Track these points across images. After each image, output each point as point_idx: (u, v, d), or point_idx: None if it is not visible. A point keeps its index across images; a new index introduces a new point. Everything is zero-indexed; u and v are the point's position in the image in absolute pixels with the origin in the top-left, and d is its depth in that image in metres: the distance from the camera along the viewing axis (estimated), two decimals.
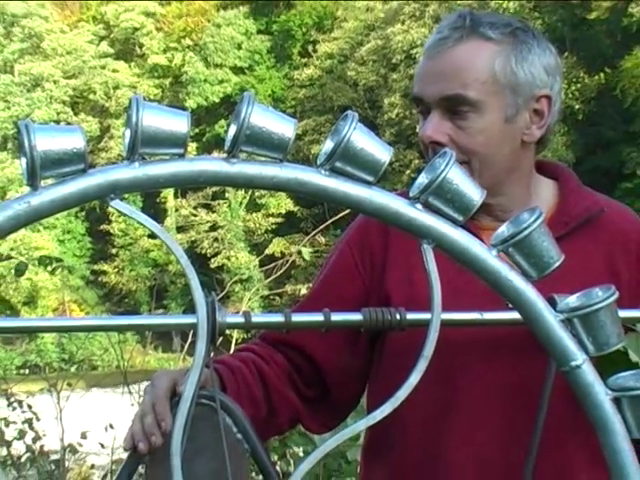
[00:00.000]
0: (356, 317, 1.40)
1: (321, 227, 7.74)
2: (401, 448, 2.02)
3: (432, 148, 1.93)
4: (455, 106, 1.93)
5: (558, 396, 1.74)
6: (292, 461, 4.15)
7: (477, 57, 1.94)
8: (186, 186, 1.17)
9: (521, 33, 1.99)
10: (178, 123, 1.11)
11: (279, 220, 41.30)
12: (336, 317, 1.40)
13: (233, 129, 1.11)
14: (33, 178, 1.08)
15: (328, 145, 1.13)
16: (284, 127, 1.12)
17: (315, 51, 42.73)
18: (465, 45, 1.94)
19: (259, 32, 46.44)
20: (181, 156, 1.11)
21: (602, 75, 31.88)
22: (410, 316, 1.40)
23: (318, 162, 1.14)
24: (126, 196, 1.16)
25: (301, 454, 4.10)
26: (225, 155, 1.13)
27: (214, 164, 1.12)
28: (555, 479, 1.92)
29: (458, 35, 1.94)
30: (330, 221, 6.97)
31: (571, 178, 2.12)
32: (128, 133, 1.10)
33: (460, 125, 1.93)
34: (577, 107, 32.86)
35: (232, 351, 6.02)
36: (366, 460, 2.21)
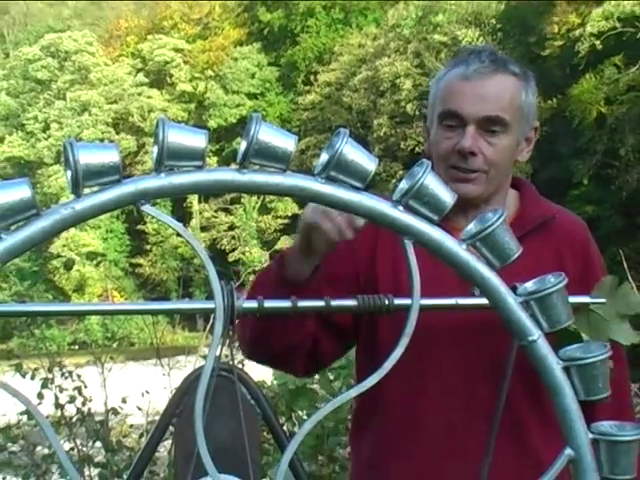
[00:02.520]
0: (352, 303, 1.40)
1: None
2: (385, 412, 2.02)
3: (464, 157, 1.95)
4: (491, 125, 1.96)
5: (513, 367, 1.71)
6: (297, 422, 4.14)
7: (512, 88, 2.00)
8: (205, 193, 1.17)
9: (529, 73, 2.08)
10: (198, 140, 1.10)
11: (286, 221, 41.30)
12: (335, 302, 1.39)
13: (244, 144, 1.11)
14: (77, 187, 1.08)
15: (324, 157, 1.14)
16: (287, 142, 1.12)
17: (316, 80, 42.73)
18: (501, 76, 1.99)
19: (269, 64, 46.48)
20: (200, 168, 1.11)
21: (555, 101, 31.85)
22: (396, 302, 1.39)
23: (315, 171, 1.14)
24: (158, 201, 1.15)
25: (305, 417, 4.09)
26: (237, 166, 1.12)
27: (228, 174, 1.12)
28: (512, 435, 1.92)
29: (494, 67, 1.99)
30: None
31: (530, 189, 2.15)
32: (156, 149, 1.10)
33: (490, 141, 1.97)
34: None
35: None
36: (355, 423, 2.22)
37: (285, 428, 3.97)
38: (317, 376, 3.97)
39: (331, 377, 4.10)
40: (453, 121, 1.98)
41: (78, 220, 1.09)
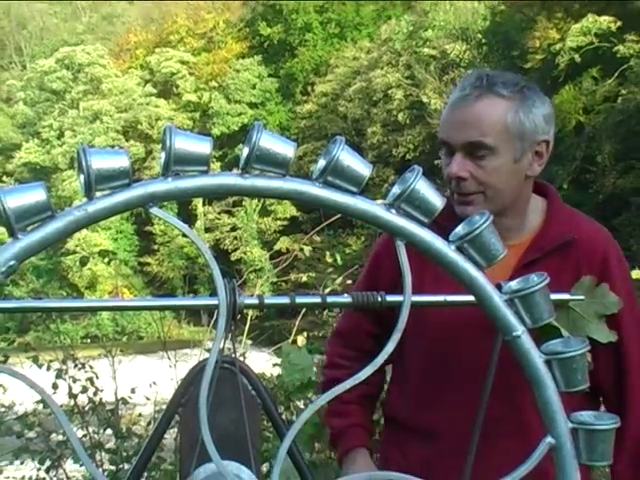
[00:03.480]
0: (346, 299, 1.39)
1: (317, 228, 7.73)
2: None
3: (456, 182, 1.97)
4: (475, 150, 1.96)
5: (507, 359, 1.74)
6: (295, 412, 4.14)
7: (493, 111, 1.97)
8: (210, 196, 1.17)
9: (527, 90, 2.02)
10: (202, 146, 1.10)
11: (285, 223, 41.32)
12: (330, 299, 1.38)
13: (246, 151, 1.11)
14: (89, 191, 1.08)
15: (321, 163, 1.13)
16: (286, 149, 1.12)
17: (313, 91, 42.76)
18: (483, 101, 1.97)
19: (269, 76, 46.49)
20: (205, 172, 1.11)
21: None
22: (388, 298, 1.39)
23: (313, 176, 1.14)
24: (165, 204, 1.15)
25: (302, 406, 4.09)
26: (240, 171, 1.12)
27: (231, 179, 1.12)
28: (517, 435, 1.93)
29: (477, 93, 1.98)
30: (325, 224, 6.95)
31: (556, 198, 2.15)
32: (163, 155, 1.10)
33: (479, 164, 1.96)
34: None
35: (247, 326, 6.02)
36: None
37: (284, 417, 3.97)
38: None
39: None
40: (445, 149, 2.02)
41: (90, 221, 1.09)
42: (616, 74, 28.30)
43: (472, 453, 1.57)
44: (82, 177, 1.07)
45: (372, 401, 2.33)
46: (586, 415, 1.19)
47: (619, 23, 28.18)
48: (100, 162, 1.07)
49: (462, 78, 2.15)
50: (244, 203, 41.71)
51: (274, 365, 4.43)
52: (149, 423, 5.20)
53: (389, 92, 36.89)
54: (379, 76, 37.44)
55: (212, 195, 1.15)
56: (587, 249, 2.03)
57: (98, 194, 1.09)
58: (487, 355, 1.91)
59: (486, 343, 1.92)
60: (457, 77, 34.73)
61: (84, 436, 4.94)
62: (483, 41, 35.22)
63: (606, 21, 28.46)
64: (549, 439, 1.17)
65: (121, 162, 1.08)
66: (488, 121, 1.97)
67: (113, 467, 4.76)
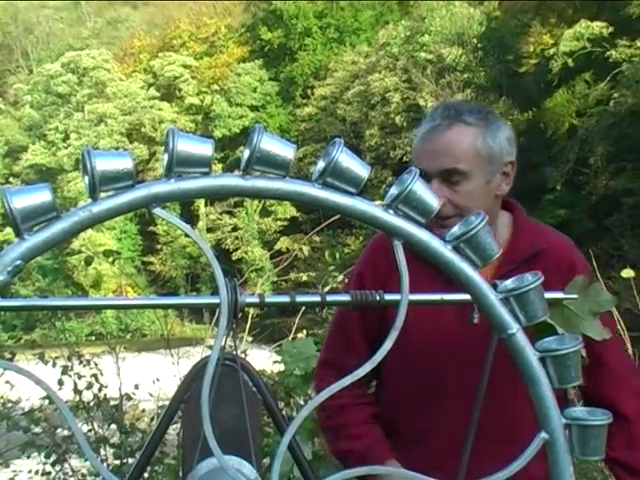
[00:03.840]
0: (345, 298, 1.39)
1: (317, 229, 7.74)
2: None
3: None
4: (450, 176, 2.03)
5: (501, 357, 1.78)
6: (295, 408, 4.14)
7: (463, 139, 2.04)
8: (212, 197, 1.17)
9: (490, 116, 2.11)
10: (204, 148, 1.10)
11: (285, 223, 41.33)
12: (330, 298, 1.38)
13: (247, 153, 1.11)
14: (93, 192, 1.07)
15: (320, 164, 1.13)
16: (286, 151, 1.12)
17: (313, 94, 42.76)
18: (453, 130, 2.04)
19: (270, 79, 46.49)
20: (207, 174, 1.11)
21: (530, 113, 31.94)
22: (386, 297, 1.39)
23: (313, 178, 1.14)
24: (168, 205, 1.15)
25: (302, 402, 4.08)
26: (241, 173, 1.12)
27: (232, 180, 1.11)
28: (502, 414, 1.94)
29: (447, 122, 2.05)
30: (324, 224, 6.95)
31: (521, 213, 2.22)
32: (166, 156, 1.09)
33: (454, 189, 2.03)
34: None
35: (248, 324, 6.02)
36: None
37: (284, 413, 3.97)
38: None
39: None
40: (422, 177, 2.05)
41: (95, 222, 1.08)
42: (608, 78, 28.30)
43: (466, 455, 1.57)
44: (87, 178, 1.07)
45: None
46: (579, 411, 1.19)
47: (611, 29, 28.21)
48: (104, 164, 1.07)
49: (430, 110, 2.22)
50: (245, 204, 41.73)
51: (274, 362, 4.44)
52: (152, 419, 5.21)
53: (387, 95, 36.88)
54: (377, 80, 37.44)
55: (214, 196, 1.15)
56: (555, 258, 2.09)
57: (102, 195, 1.09)
58: (468, 362, 1.99)
59: (466, 351, 2.01)
60: (453, 81, 34.80)
61: (89, 431, 4.95)
62: (479, 46, 35.22)
63: (598, 27, 28.48)
64: (543, 434, 1.17)
65: (125, 164, 1.08)
66: (460, 148, 2.04)
67: (117, 461, 4.77)
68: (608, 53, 27.93)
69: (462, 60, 34.84)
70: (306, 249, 7.67)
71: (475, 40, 35.25)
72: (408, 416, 2.15)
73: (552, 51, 29.69)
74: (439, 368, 2.06)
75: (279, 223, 41.85)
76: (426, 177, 2.00)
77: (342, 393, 2.27)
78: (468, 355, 2.01)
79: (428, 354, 2.08)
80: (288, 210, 40.56)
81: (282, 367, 4.30)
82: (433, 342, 2.07)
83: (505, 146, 2.11)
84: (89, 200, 1.09)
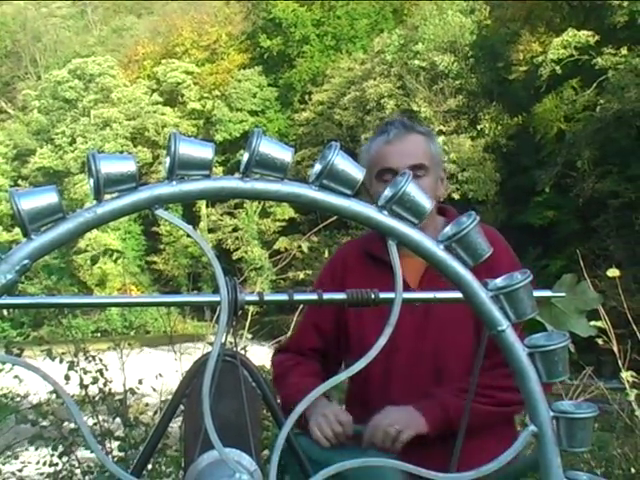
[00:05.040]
0: (342, 296, 1.39)
1: (315, 229, 7.76)
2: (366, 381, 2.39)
3: None
4: (416, 171, 2.28)
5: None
6: None
7: (421, 142, 2.39)
8: (212, 199, 1.17)
9: (431, 131, 2.56)
10: (205, 151, 1.10)
11: (284, 224, 41.31)
12: (327, 296, 1.38)
13: (246, 156, 1.10)
14: (98, 194, 1.07)
15: (317, 167, 1.13)
16: (284, 154, 1.11)
17: (310, 99, 42.74)
18: (412, 136, 2.39)
19: (269, 85, 46.49)
20: (207, 176, 1.10)
21: (520, 118, 31.97)
22: (381, 295, 1.39)
23: (310, 180, 1.14)
24: (171, 206, 1.15)
25: None
26: (240, 175, 1.12)
27: (232, 182, 1.11)
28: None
29: (405, 130, 2.39)
30: (321, 225, 6.96)
31: (454, 215, 2.42)
32: (168, 159, 1.09)
33: (418, 183, 2.10)
34: (502, 142, 32.93)
35: (248, 321, 6.02)
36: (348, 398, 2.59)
37: None
38: None
39: None
40: (388, 175, 2.31)
41: (99, 222, 1.08)
42: (595, 85, 28.35)
43: (460, 439, 1.57)
44: (92, 181, 1.07)
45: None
46: (566, 405, 1.19)
47: (597, 37, 28.26)
48: (108, 167, 1.07)
49: (384, 124, 2.51)
50: (245, 205, 41.70)
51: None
52: (155, 412, 5.20)
53: (382, 101, 36.89)
54: (372, 86, 37.45)
55: (214, 198, 1.15)
56: None
57: (107, 197, 1.08)
58: (421, 355, 2.29)
59: (420, 345, 2.30)
60: (446, 87, 34.81)
61: (94, 424, 4.94)
62: (470, 53, 35.25)
63: (585, 35, 28.53)
64: (532, 427, 1.17)
65: (128, 167, 1.08)
66: (421, 149, 2.37)
67: (122, 454, 4.76)
68: (594, 61, 27.97)
69: (454, 67, 34.86)
70: (305, 245, 7.69)
71: (467, 48, 35.28)
72: (373, 393, 2.38)
73: (541, 58, 29.73)
74: (390, 352, 2.17)
75: (278, 224, 41.83)
76: (392, 174, 2.27)
77: (287, 364, 2.47)
78: (411, 338, 2.29)
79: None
80: (286, 211, 40.56)
81: None
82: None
83: (442, 156, 2.51)
84: (94, 202, 1.09)
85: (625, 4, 27.36)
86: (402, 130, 2.38)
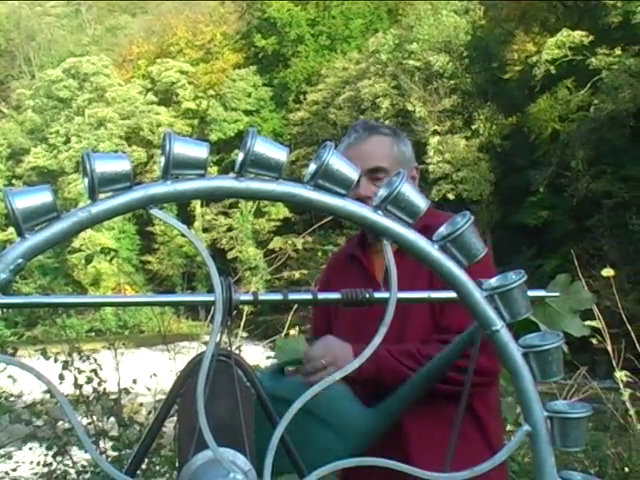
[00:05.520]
0: (336, 296, 1.38)
1: (309, 229, 7.77)
2: None
3: (365, 201, 2.21)
4: (375, 174, 2.36)
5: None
6: None
7: (383, 144, 2.42)
8: (206, 198, 1.17)
9: (398, 131, 2.54)
10: (200, 151, 1.10)
11: (278, 223, 41.30)
12: (321, 296, 1.38)
13: (241, 155, 1.10)
14: (93, 193, 1.07)
15: (312, 167, 1.13)
16: (279, 153, 1.11)
17: (305, 99, 42.75)
18: (373, 138, 2.42)
19: (264, 85, 46.50)
20: (202, 176, 1.10)
21: (514, 118, 32.02)
22: (376, 295, 1.38)
23: (305, 180, 1.14)
24: (165, 206, 1.15)
25: None
26: (235, 175, 1.12)
27: (226, 182, 1.11)
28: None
29: (367, 133, 2.43)
30: (316, 225, 6.98)
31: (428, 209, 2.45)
32: (163, 159, 1.09)
33: (379, 186, 2.27)
34: (496, 142, 32.98)
35: (242, 321, 6.02)
36: None
37: None
38: None
39: None
40: None
41: (94, 222, 1.08)
42: (589, 85, 28.41)
43: (454, 441, 1.56)
44: (86, 180, 1.07)
45: None
46: (560, 404, 1.19)
47: (591, 37, 28.31)
48: (103, 166, 1.06)
49: (350, 127, 2.55)
50: (240, 205, 41.70)
51: (268, 357, 4.44)
52: (150, 412, 5.21)
53: (376, 101, 36.92)
54: (367, 86, 37.47)
55: (209, 197, 1.15)
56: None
57: (101, 196, 1.08)
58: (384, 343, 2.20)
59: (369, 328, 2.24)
60: (440, 87, 34.84)
61: (89, 424, 4.94)
62: (465, 53, 35.29)
63: (579, 35, 28.60)
64: (526, 427, 1.17)
65: (123, 166, 1.08)
66: (381, 151, 2.40)
67: (116, 453, 4.76)
68: (588, 61, 28.03)
69: (449, 67, 34.90)
70: (300, 242, 7.70)
71: (461, 48, 35.32)
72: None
73: (535, 59, 29.78)
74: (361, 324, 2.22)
75: (272, 223, 41.82)
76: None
77: None
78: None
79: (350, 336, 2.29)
80: (281, 211, 40.56)
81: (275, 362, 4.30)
82: (351, 325, 2.36)
83: (410, 154, 2.48)
84: (88, 201, 1.09)
85: (619, 4, 27.43)
86: (363, 133, 2.43)
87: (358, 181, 2.20)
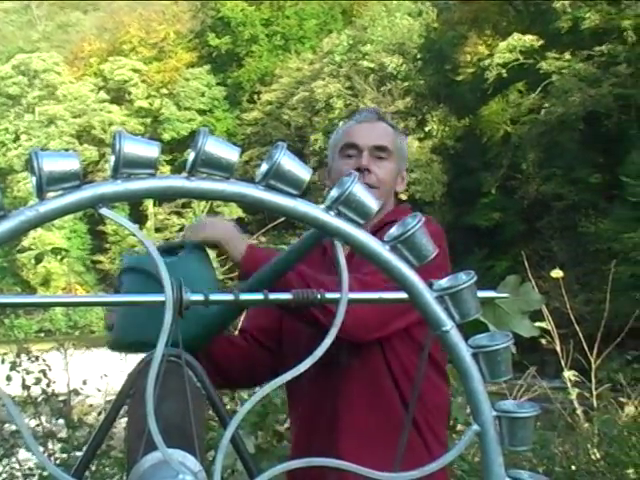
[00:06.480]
0: (288, 296, 1.38)
1: (263, 230, 7.75)
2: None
3: (363, 174, 2.27)
4: (379, 152, 2.35)
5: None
6: (239, 402, 4.12)
7: (389, 131, 2.43)
8: (158, 198, 1.16)
9: (400, 129, 2.58)
10: (150, 150, 1.09)
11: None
12: (272, 296, 1.37)
13: (192, 155, 1.10)
14: (40, 192, 1.06)
15: (264, 167, 1.13)
16: (230, 153, 1.11)
17: (259, 99, 42.68)
18: (382, 123, 2.44)
19: (217, 84, 46.32)
20: (153, 175, 1.10)
21: (467, 120, 32.33)
22: (327, 295, 1.38)
23: (256, 180, 1.14)
24: (118, 205, 1.14)
25: (246, 397, 4.07)
26: (186, 175, 1.11)
27: (178, 181, 1.11)
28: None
29: (377, 117, 2.46)
30: (270, 225, 6.96)
31: (405, 207, 2.50)
32: (113, 158, 1.08)
33: (379, 165, 2.34)
34: (449, 144, 33.27)
35: None
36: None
37: (228, 407, 3.95)
38: None
39: None
40: (351, 151, 2.36)
41: (42, 221, 1.07)
42: (539, 88, 28.79)
43: (402, 445, 1.57)
44: (34, 179, 1.05)
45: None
46: (509, 404, 1.20)
47: (542, 41, 28.71)
48: (51, 164, 1.05)
49: (360, 110, 2.69)
50: (193, 205, 41.41)
51: None
52: (99, 413, 5.14)
53: (330, 101, 37.01)
54: (321, 86, 37.55)
55: (160, 197, 1.14)
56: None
57: (50, 195, 1.07)
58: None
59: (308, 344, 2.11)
60: (394, 88, 35.04)
61: (37, 426, 4.87)
62: (418, 55, 35.56)
63: (530, 39, 28.99)
64: (475, 426, 1.18)
65: (72, 165, 1.06)
66: (388, 135, 2.41)
67: (65, 455, 4.69)
68: (539, 65, 28.41)
69: (402, 69, 35.12)
70: (253, 242, 7.68)
71: (415, 50, 35.58)
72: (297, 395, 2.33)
73: (487, 62, 30.11)
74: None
75: None
76: (356, 150, 2.35)
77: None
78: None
79: (293, 349, 2.24)
80: (234, 211, 40.35)
81: None
82: (294, 339, 2.25)
83: (407, 155, 2.52)
84: (37, 200, 1.07)
85: (569, 10, 27.85)
86: (374, 115, 2.45)
87: (361, 151, 2.33)
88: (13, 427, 4.82)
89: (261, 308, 2.38)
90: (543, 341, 5.56)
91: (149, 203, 41.12)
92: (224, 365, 2.21)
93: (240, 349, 2.32)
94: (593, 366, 5.79)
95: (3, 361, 5.00)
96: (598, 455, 4.88)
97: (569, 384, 5.56)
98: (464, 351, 1.18)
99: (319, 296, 1.39)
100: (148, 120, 46.42)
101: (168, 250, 1.93)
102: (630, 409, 5.47)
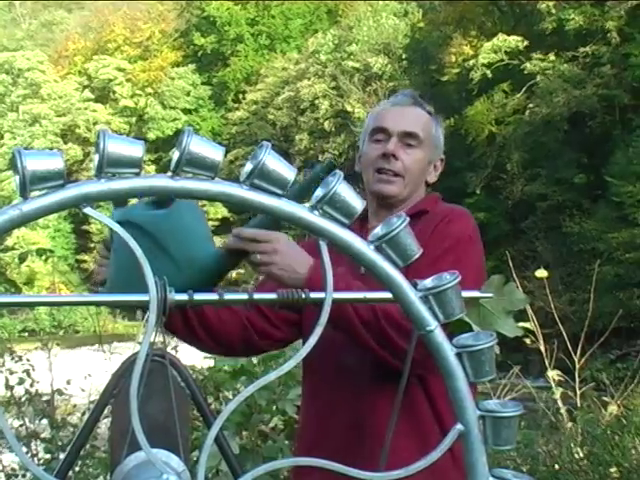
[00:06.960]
0: (272, 296, 1.37)
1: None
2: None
3: (389, 159, 2.20)
4: (409, 139, 2.22)
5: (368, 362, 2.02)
6: (224, 402, 4.11)
7: (423, 117, 2.28)
8: (141, 197, 1.16)
9: (437, 116, 2.35)
10: (135, 149, 1.09)
11: (217, 223, 41.03)
12: (257, 296, 1.36)
13: (177, 154, 1.10)
14: (24, 191, 1.05)
15: (248, 166, 1.13)
16: (215, 153, 1.11)
17: (244, 99, 42.64)
18: (418, 109, 2.29)
19: (203, 83, 46.25)
20: (137, 174, 1.09)
21: (452, 120, 32.35)
22: (312, 295, 1.38)
23: (241, 179, 1.14)
24: (103, 204, 1.14)
25: (230, 397, 4.07)
26: (171, 174, 1.11)
27: (161, 180, 1.10)
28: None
29: (412, 101, 2.30)
30: None
31: (434, 197, 2.39)
32: (97, 157, 1.08)
33: (407, 152, 2.22)
34: None
35: None
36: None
37: (213, 407, 3.95)
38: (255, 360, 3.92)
39: (255, 361, 4.05)
40: (380, 135, 2.23)
41: (25, 220, 1.06)
42: (524, 89, 28.89)
43: (388, 439, 1.57)
44: (17, 178, 1.05)
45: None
46: (492, 404, 1.21)
47: (526, 42, 28.81)
48: (35, 163, 1.05)
49: (398, 92, 2.45)
50: None
51: (205, 358, 4.40)
52: (84, 413, 5.12)
53: (316, 101, 37.03)
54: (306, 86, 37.55)
55: (144, 196, 1.14)
56: (435, 217, 2.22)
57: (34, 194, 1.06)
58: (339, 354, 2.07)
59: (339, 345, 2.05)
60: (379, 88, 35.06)
61: (20, 426, 4.85)
62: (403, 56, 35.61)
63: (515, 40, 29.08)
64: (459, 426, 1.18)
65: (55, 163, 1.06)
66: (421, 121, 2.26)
67: (48, 455, 4.68)
68: (524, 65, 28.51)
69: (388, 69, 35.18)
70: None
71: (400, 50, 35.64)
72: (314, 388, 2.25)
73: (472, 62, 30.19)
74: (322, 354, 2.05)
75: (211, 223, 41.39)
76: (385, 134, 2.23)
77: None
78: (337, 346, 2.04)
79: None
80: (219, 211, 40.35)
81: (212, 363, 4.29)
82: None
83: (442, 143, 2.36)
84: (20, 199, 1.07)
85: (553, 11, 27.96)
86: (409, 100, 2.30)
87: (390, 136, 2.21)
88: None
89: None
90: (527, 341, 5.58)
91: (133, 202, 41.01)
92: (216, 326, 2.08)
93: (235, 314, 2.15)
94: (577, 365, 5.82)
95: None
96: (582, 454, 4.90)
97: (553, 383, 5.58)
98: (448, 351, 1.18)
99: (303, 295, 1.39)
100: (133, 119, 46.30)
101: (159, 203, 1.85)
102: (613, 408, 5.49)
